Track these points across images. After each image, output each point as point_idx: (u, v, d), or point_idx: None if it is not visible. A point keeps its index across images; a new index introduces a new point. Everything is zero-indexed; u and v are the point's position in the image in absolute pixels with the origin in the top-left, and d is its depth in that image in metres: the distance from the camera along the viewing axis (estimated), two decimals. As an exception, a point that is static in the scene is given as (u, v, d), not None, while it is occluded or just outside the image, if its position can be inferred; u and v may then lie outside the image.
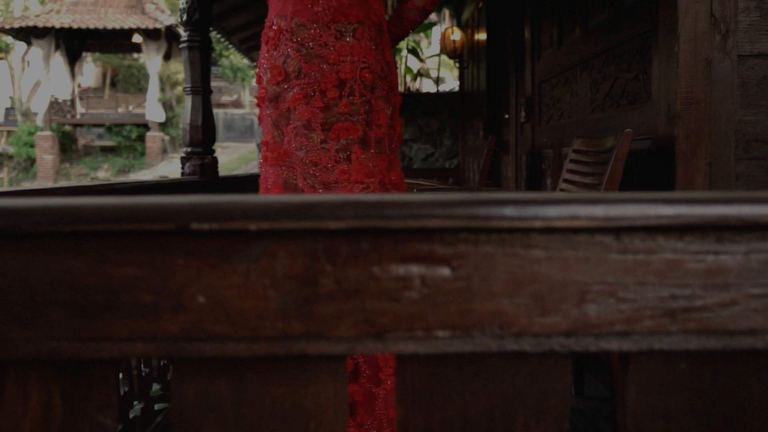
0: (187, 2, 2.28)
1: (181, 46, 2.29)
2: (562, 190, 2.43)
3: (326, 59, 1.75)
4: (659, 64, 2.08)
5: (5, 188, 13.79)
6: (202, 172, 2.27)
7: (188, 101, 2.28)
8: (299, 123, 1.78)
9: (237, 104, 31.74)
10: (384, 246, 0.40)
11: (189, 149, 2.30)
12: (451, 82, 14.71)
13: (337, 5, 1.76)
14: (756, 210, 0.40)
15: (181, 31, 13.37)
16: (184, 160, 2.33)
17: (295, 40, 1.76)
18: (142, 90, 25.97)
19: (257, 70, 1.90)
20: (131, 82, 27.33)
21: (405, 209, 0.39)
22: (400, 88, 7.69)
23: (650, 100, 2.16)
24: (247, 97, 32.61)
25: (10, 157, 18.90)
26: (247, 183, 3.62)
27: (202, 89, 2.29)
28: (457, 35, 6.15)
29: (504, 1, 4.81)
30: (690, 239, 0.41)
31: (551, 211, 0.40)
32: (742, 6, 1.94)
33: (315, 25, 1.76)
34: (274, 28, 1.80)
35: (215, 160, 2.37)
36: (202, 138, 2.28)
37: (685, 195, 0.41)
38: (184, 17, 2.29)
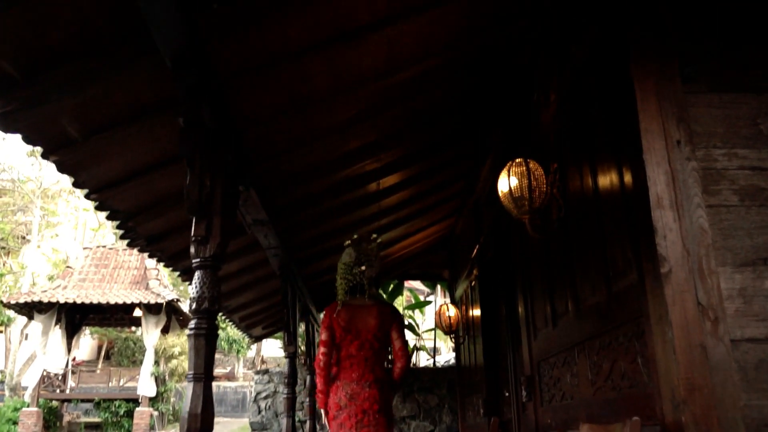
0: (197, 292, 2.40)
1: (188, 333, 2.36)
2: (573, 479, 2.32)
3: (358, 400, 3.70)
4: (656, 349, 2.12)
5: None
6: (199, 468, 2.20)
7: (189, 388, 2.28)
8: (352, 412, 3.69)
9: (230, 377, 31.14)
10: None
11: (185, 440, 2.25)
12: (446, 354, 14.76)
13: (362, 372, 3.75)
14: None
15: (181, 305, 13.53)
16: (181, 455, 2.26)
17: (344, 390, 3.73)
18: (135, 363, 25.70)
19: (326, 397, 3.78)
20: (125, 355, 27.16)
21: None
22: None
23: (651, 384, 2.16)
24: (241, 370, 32.09)
25: (-10, 435, 18.00)
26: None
27: (204, 376, 2.31)
28: (452, 311, 6.34)
29: (496, 279, 5.04)
30: None
31: None
32: (726, 294, 2.04)
33: (353, 383, 3.73)
34: (336, 384, 3.76)
35: (212, 450, 2.31)
36: (200, 427, 2.25)
37: None
38: (194, 306, 2.40)
